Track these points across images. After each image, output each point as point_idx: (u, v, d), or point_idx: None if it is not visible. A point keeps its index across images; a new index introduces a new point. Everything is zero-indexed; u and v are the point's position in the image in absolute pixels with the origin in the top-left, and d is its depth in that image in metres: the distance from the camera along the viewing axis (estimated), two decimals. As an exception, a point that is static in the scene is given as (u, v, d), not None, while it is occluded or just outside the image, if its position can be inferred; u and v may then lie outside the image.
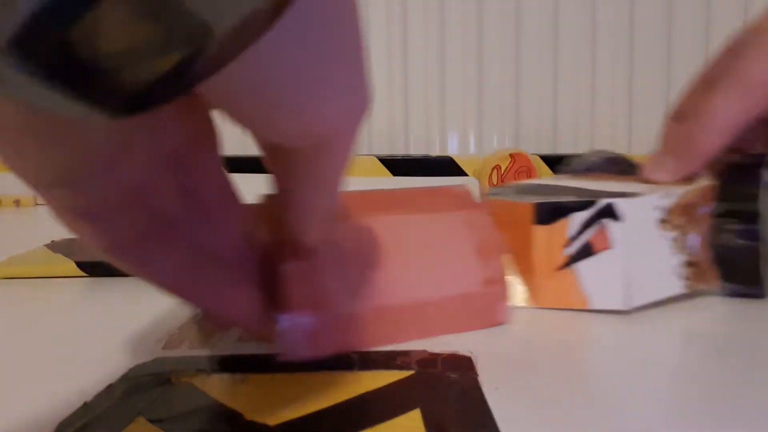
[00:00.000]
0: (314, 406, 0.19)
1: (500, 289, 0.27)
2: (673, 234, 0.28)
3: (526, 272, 0.29)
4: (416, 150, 0.78)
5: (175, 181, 0.18)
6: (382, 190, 0.28)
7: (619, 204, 0.27)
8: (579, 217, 0.28)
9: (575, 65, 0.77)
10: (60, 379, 0.22)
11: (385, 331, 0.24)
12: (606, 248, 0.27)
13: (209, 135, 0.19)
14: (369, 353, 0.23)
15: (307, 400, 0.20)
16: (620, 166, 0.37)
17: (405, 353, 0.23)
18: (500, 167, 0.60)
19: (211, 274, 0.20)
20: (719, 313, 0.28)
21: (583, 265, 0.28)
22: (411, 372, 0.22)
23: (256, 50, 0.12)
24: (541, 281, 0.28)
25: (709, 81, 0.31)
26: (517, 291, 0.29)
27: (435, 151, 0.79)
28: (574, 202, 0.28)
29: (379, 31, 0.76)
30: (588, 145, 0.78)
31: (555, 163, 0.62)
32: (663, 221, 0.28)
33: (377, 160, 0.70)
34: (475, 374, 0.21)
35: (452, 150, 0.79)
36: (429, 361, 0.23)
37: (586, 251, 0.28)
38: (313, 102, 0.14)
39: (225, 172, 0.20)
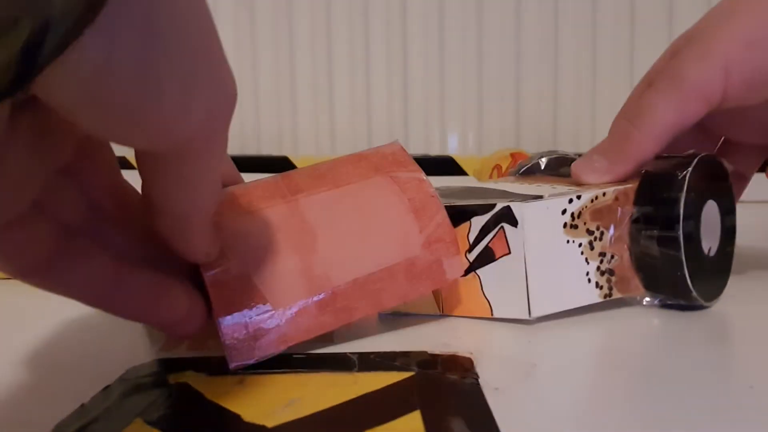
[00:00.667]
0: (313, 407, 0.19)
1: (444, 246, 0.25)
2: (583, 239, 0.27)
3: None
4: (416, 149, 0.78)
5: (75, 193, 0.18)
6: (306, 167, 0.27)
7: (516, 208, 0.26)
8: (479, 221, 0.26)
9: (575, 65, 0.77)
10: (57, 381, 0.22)
11: (334, 315, 0.23)
12: (506, 254, 0.26)
13: (99, 146, 0.19)
14: (369, 354, 0.23)
15: (306, 401, 0.19)
16: (566, 167, 0.33)
17: (405, 354, 0.23)
18: (500, 167, 0.60)
19: (137, 282, 0.20)
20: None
21: (485, 271, 0.26)
22: (411, 373, 0.22)
23: (87, 53, 0.12)
24: (446, 288, 0.27)
25: (649, 82, 0.30)
26: (426, 299, 0.28)
27: (435, 151, 0.78)
28: (474, 205, 0.26)
29: (380, 31, 0.76)
30: (588, 144, 0.78)
31: (555, 162, 0.62)
32: (571, 226, 0.26)
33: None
34: (476, 375, 0.21)
35: (452, 149, 0.79)
36: (429, 362, 0.22)
37: (487, 257, 0.26)
38: (158, 108, 0.14)
39: (123, 179, 0.20)
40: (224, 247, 0.23)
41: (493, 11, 0.76)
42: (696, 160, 0.27)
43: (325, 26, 0.76)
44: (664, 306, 0.28)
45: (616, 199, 0.27)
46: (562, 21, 0.76)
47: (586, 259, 0.27)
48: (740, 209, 0.31)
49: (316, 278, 0.24)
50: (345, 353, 0.23)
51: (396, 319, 0.28)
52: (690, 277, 0.26)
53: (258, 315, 0.22)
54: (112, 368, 0.22)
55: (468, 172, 0.70)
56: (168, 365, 0.23)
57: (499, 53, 0.77)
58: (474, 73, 0.78)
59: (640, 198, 0.27)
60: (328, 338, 0.25)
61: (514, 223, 0.26)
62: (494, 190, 0.30)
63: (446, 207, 0.26)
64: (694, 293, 0.26)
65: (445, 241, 0.25)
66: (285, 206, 0.25)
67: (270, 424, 0.18)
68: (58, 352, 0.25)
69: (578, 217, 0.26)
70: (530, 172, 0.35)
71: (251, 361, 0.22)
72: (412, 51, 0.77)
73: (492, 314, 0.27)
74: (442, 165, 0.71)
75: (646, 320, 0.27)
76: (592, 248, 0.27)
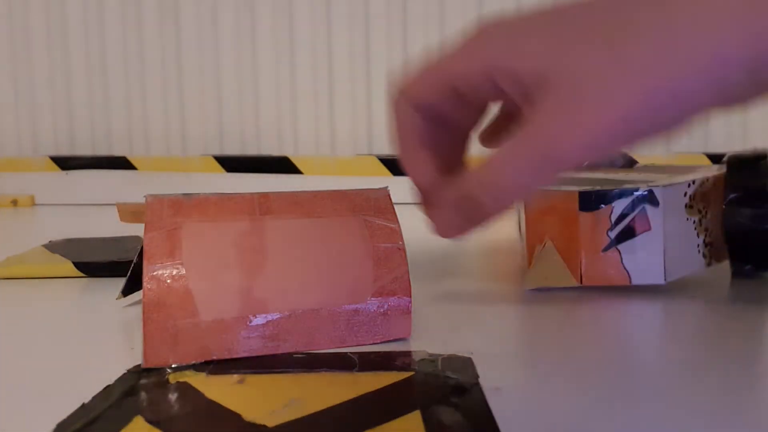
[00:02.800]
0: (313, 407, 0.19)
1: (396, 302, 0.25)
2: (695, 217, 0.32)
3: (571, 255, 0.31)
4: (415, 150, 0.78)
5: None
6: (289, 192, 0.27)
7: (658, 191, 0.30)
8: (621, 203, 0.31)
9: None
10: (58, 380, 0.22)
11: (261, 341, 0.23)
12: (647, 230, 0.30)
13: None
14: (369, 353, 0.23)
15: (307, 401, 0.19)
16: (620, 161, 0.41)
17: (405, 354, 0.23)
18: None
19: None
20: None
21: (625, 246, 0.31)
22: (411, 373, 0.22)
23: None
24: (587, 262, 0.31)
25: (498, 128, 0.26)
26: (563, 272, 0.31)
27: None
28: (617, 189, 0.31)
29: (380, 31, 0.76)
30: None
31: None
32: (689, 206, 0.32)
33: (377, 160, 0.70)
34: (476, 374, 0.21)
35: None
36: (429, 362, 0.22)
37: (628, 233, 0.31)
38: None
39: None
40: (174, 248, 0.23)
41: (493, 11, 0.76)
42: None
43: (325, 26, 0.76)
44: (741, 275, 0.32)
45: (715, 183, 0.33)
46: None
47: (697, 234, 0.32)
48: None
49: (252, 300, 0.23)
50: (345, 353, 0.23)
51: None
52: None
53: (182, 319, 0.22)
54: (112, 367, 0.22)
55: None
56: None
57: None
58: (474, 73, 0.78)
59: (732, 181, 0.32)
60: (328, 338, 0.25)
61: (656, 203, 0.30)
62: (593, 179, 0.34)
63: (588, 192, 0.31)
64: None
65: (397, 296, 0.25)
66: (249, 223, 0.25)
67: (270, 423, 0.18)
68: (58, 352, 0.25)
69: (693, 198, 0.32)
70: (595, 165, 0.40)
71: (167, 366, 0.22)
72: (412, 51, 0.77)
73: (630, 282, 0.31)
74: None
75: (647, 320, 0.27)
76: (701, 224, 0.32)
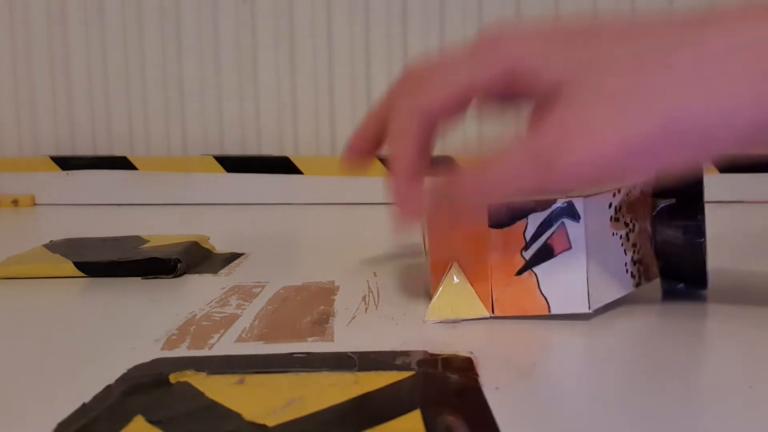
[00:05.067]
0: (313, 406, 0.19)
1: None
2: (622, 231, 0.28)
3: (480, 279, 0.27)
4: (416, 150, 0.78)
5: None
6: None
7: (578, 203, 0.26)
8: (537, 218, 0.27)
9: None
10: (58, 380, 0.22)
11: None
12: (566, 249, 0.26)
13: None
14: (369, 353, 0.23)
15: (307, 400, 0.19)
16: None
17: (405, 353, 0.23)
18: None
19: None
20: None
21: (543, 268, 0.27)
22: (411, 372, 0.22)
23: None
24: (498, 288, 0.27)
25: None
26: (471, 301, 0.27)
27: (435, 150, 0.78)
28: (531, 202, 0.27)
29: (380, 31, 0.76)
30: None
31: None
32: (615, 219, 0.28)
33: (377, 160, 0.70)
34: (476, 374, 0.21)
35: (453, 149, 0.79)
36: (429, 362, 0.22)
37: (545, 253, 0.27)
38: None
39: None
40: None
41: (492, 12, 0.76)
42: None
43: (326, 26, 0.76)
44: (669, 292, 0.29)
45: (643, 191, 0.29)
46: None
47: (625, 251, 0.28)
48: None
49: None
50: (345, 353, 0.24)
51: (396, 318, 0.28)
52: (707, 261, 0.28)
53: None
54: (113, 367, 0.22)
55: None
56: (169, 364, 0.23)
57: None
58: (474, 73, 0.78)
59: (661, 188, 0.28)
60: (328, 338, 0.25)
61: (576, 217, 0.26)
62: None
63: (501, 205, 0.27)
64: (708, 276, 0.28)
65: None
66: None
67: (271, 423, 0.18)
68: (59, 352, 0.25)
69: (619, 210, 0.28)
70: None
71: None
72: (412, 51, 0.77)
73: (549, 311, 0.27)
74: (441, 164, 0.71)
75: (646, 319, 0.27)
76: (628, 240, 0.28)
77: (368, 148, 0.31)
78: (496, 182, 0.24)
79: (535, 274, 0.27)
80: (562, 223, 0.26)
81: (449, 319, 0.27)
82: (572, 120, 0.22)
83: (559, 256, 0.26)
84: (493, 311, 0.27)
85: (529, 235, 0.27)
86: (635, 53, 0.22)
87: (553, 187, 0.24)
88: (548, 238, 0.26)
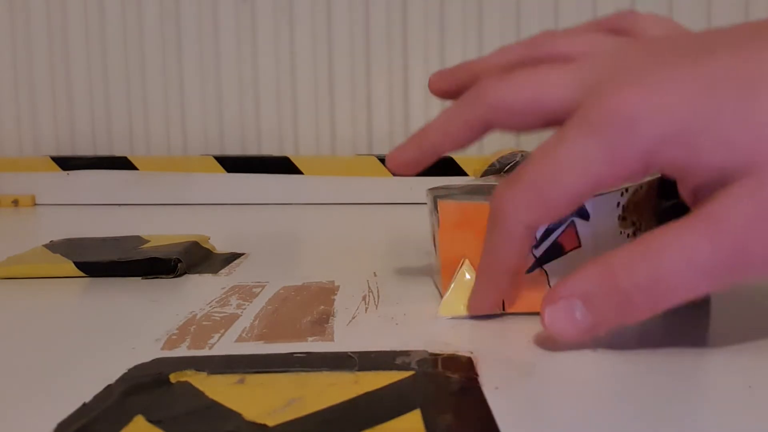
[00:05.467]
0: (314, 406, 0.19)
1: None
2: (629, 230, 0.28)
3: None
4: (416, 150, 0.78)
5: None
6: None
7: (588, 202, 0.26)
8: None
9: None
10: (58, 380, 0.22)
11: None
12: (575, 247, 0.27)
13: None
14: (369, 353, 0.23)
15: (307, 400, 0.20)
16: None
17: (405, 353, 0.23)
18: (500, 167, 0.60)
19: None
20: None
21: (552, 266, 0.27)
22: (411, 372, 0.22)
23: None
24: (511, 284, 0.26)
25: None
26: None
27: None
28: None
29: (381, 31, 0.76)
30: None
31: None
32: (622, 218, 0.28)
33: (377, 160, 0.70)
34: (476, 374, 0.21)
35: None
36: (429, 362, 0.22)
37: (555, 251, 0.27)
38: None
39: None
40: None
41: (493, 11, 0.76)
42: None
43: (326, 26, 0.76)
44: None
45: (648, 190, 0.28)
46: (562, 21, 0.76)
47: None
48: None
49: None
50: (346, 352, 0.24)
51: (396, 318, 0.28)
52: None
53: None
54: (113, 367, 0.22)
55: (468, 173, 0.70)
56: (169, 364, 0.23)
57: (500, 54, 0.77)
58: (474, 73, 0.78)
59: (665, 188, 0.28)
60: (328, 337, 0.25)
61: (585, 216, 0.26)
62: None
63: None
64: None
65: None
66: None
67: (271, 422, 0.18)
68: (59, 351, 0.25)
69: (626, 209, 0.28)
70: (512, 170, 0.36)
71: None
72: (412, 51, 0.77)
73: None
74: (442, 165, 0.71)
75: (647, 318, 0.27)
76: (635, 238, 0.28)
77: (450, 88, 0.29)
78: (671, 287, 0.20)
79: (545, 272, 0.27)
80: (572, 221, 0.27)
81: (461, 315, 0.27)
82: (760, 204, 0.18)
83: (568, 254, 0.27)
84: (503, 308, 0.27)
85: (539, 232, 0.27)
86: None
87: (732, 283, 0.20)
88: (558, 236, 0.27)
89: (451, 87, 0.29)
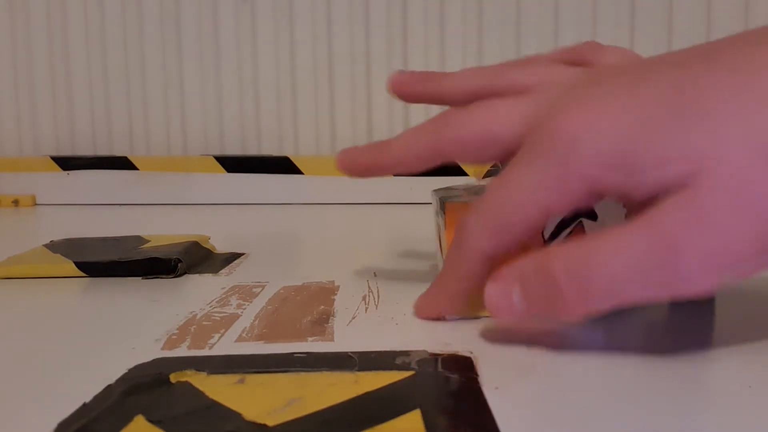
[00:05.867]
0: (314, 406, 0.19)
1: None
2: None
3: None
4: (416, 150, 0.78)
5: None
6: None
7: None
8: (555, 217, 0.27)
9: (575, 65, 0.77)
10: (58, 380, 0.22)
11: None
12: None
13: None
14: (369, 353, 0.23)
15: (307, 400, 0.20)
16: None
17: (405, 353, 0.23)
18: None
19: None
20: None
21: None
22: (411, 372, 0.22)
23: None
24: None
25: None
26: None
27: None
28: None
29: (380, 31, 0.76)
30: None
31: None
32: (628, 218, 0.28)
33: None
34: (475, 374, 0.21)
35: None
36: (429, 361, 0.23)
37: None
38: None
39: None
40: None
41: (492, 13, 0.76)
42: None
43: (326, 27, 0.76)
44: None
45: None
46: (562, 22, 0.76)
47: None
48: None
49: None
50: (346, 352, 0.24)
51: (396, 318, 0.28)
52: None
53: None
54: (113, 367, 0.22)
55: (468, 173, 0.70)
56: (169, 364, 0.23)
57: (499, 54, 0.77)
58: (474, 73, 0.78)
59: None
60: (328, 337, 0.25)
61: (593, 217, 0.27)
62: None
63: None
64: None
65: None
66: None
67: (271, 422, 0.18)
68: (59, 351, 0.25)
69: (631, 210, 0.28)
70: None
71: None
72: (412, 51, 0.77)
73: None
74: (442, 165, 0.71)
75: (646, 319, 0.27)
76: None
77: (410, 99, 0.29)
78: (601, 287, 0.20)
79: None
80: (581, 222, 0.27)
81: (470, 316, 0.27)
82: (697, 212, 0.19)
83: None
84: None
85: (547, 233, 0.27)
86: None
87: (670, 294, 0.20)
88: (566, 236, 0.27)
89: (411, 98, 0.30)
